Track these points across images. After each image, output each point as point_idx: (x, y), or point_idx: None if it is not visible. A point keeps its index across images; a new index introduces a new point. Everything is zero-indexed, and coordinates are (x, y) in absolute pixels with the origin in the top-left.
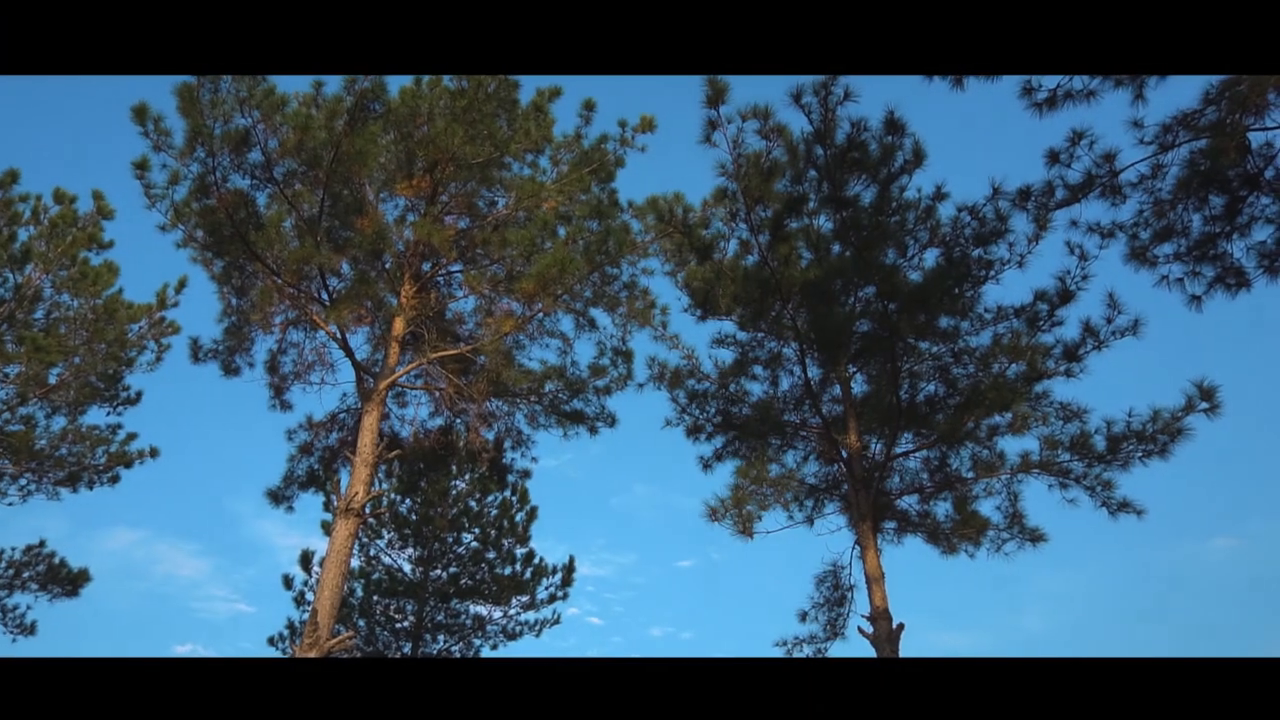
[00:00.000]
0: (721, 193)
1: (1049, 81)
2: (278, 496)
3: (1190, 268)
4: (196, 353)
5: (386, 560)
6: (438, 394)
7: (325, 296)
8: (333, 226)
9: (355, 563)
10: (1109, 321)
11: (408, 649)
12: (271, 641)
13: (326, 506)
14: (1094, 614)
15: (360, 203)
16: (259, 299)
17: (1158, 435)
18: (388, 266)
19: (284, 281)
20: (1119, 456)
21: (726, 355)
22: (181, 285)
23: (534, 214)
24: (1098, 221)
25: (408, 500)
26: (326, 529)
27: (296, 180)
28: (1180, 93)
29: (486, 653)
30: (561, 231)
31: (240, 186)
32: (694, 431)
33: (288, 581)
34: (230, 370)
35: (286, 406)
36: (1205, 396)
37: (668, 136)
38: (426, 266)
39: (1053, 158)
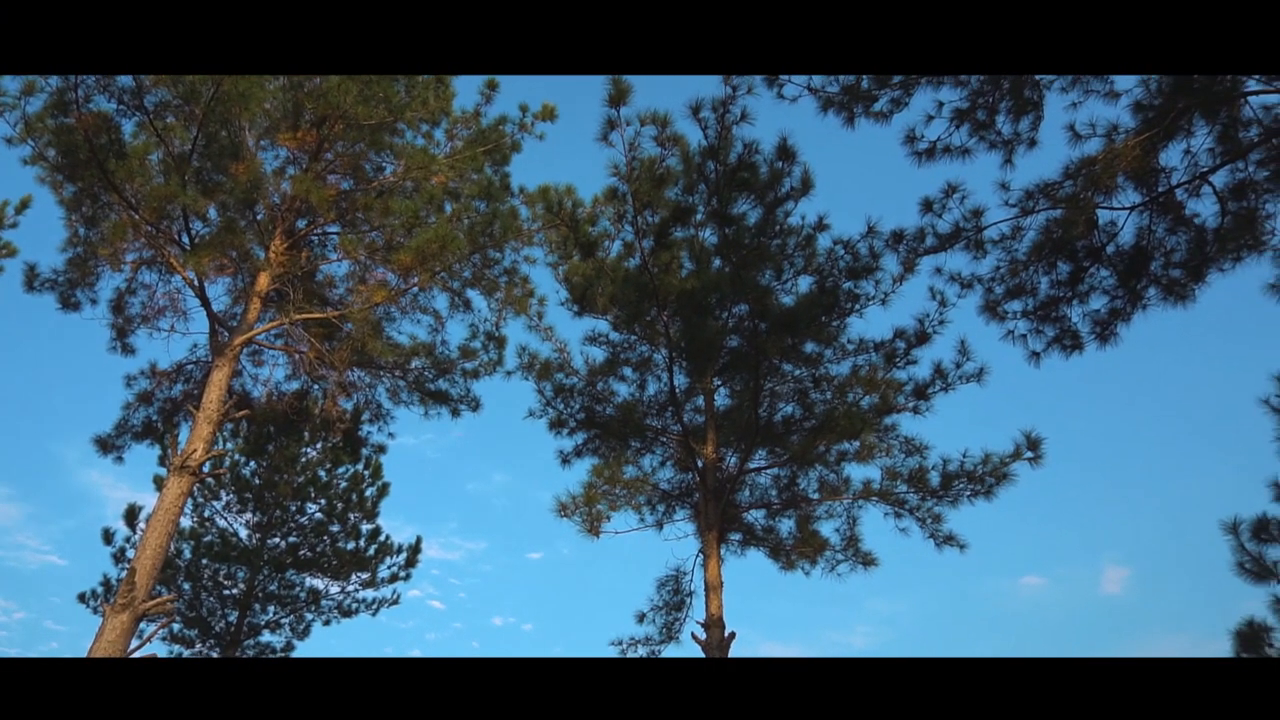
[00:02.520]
0: (612, 192)
1: (931, 133)
2: (107, 445)
3: (1034, 326)
4: (32, 280)
5: (221, 523)
6: (297, 357)
7: (186, 240)
8: (204, 168)
9: (186, 523)
10: (958, 366)
11: (234, 617)
12: (82, 598)
13: (161, 461)
14: (915, 637)
15: (238, 147)
16: (111, 233)
17: (986, 477)
18: (259, 218)
19: (141, 218)
20: (950, 493)
21: (598, 353)
22: (24, 205)
23: (422, 186)
24: (959, 272)
25: (252, 463)
26: (159, 485)
27: (170, 113)
28: (1045, 163)
29: (317, 627)
30: (448, 208)
31: (105, 110)
32: (557, 425)
33: (108, 536)
34: (69, 304)
35: (129, 350)
36: (1031, 446)
37: (569, 130)
38: (301, 224)
39: (926, 206)
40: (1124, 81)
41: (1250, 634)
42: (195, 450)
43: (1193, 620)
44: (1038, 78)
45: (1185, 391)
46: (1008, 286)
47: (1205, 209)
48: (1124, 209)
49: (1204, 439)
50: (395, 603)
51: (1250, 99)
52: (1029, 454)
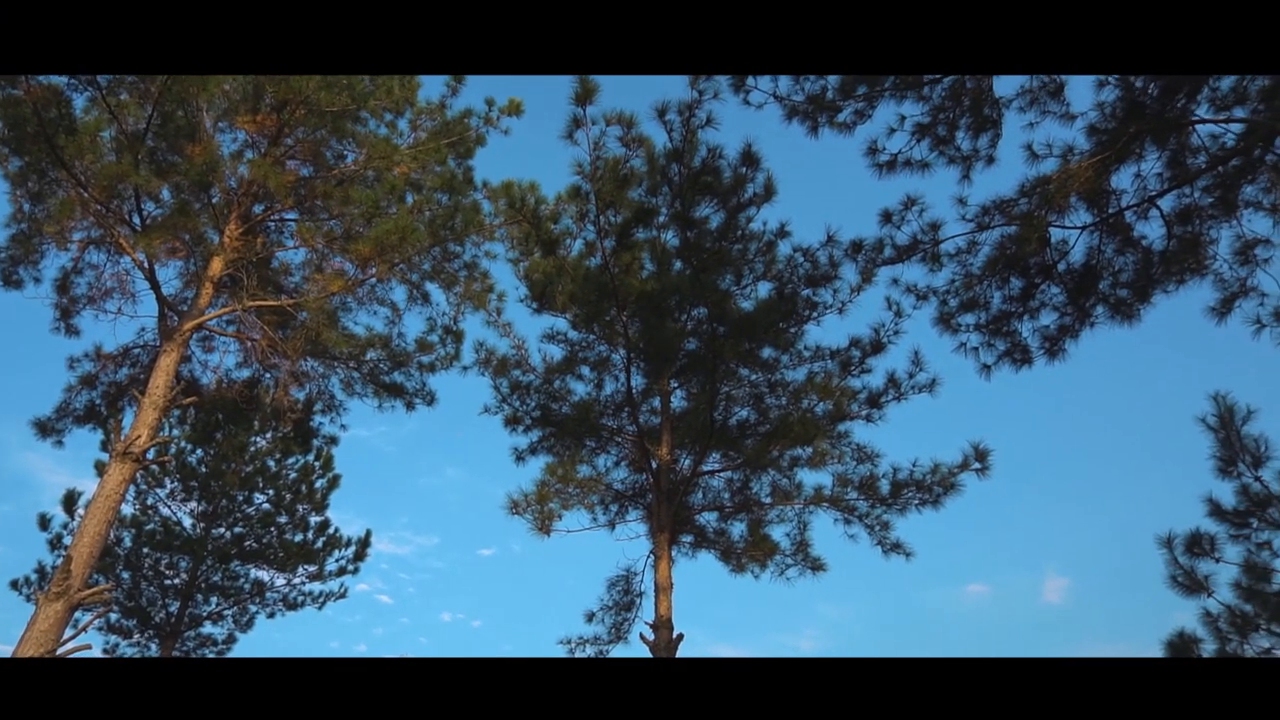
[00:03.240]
0: (576, 191)
1: (892, 145)
2: (47, 428)
3: (986, 339)
4: None
5: (165, 512)
6: (249, 344)
7: (137, 221)
8: (159, 148)
9: (128, 510)
10: (911, 376)
11: (175, 608)
12: (15, 585)
13: (104, 446)
14: (861, 642)
15: (194, 128)
16: (58, 210)
17: (934, 486)
18: (215, 201)
19: (91, 196)
20: (899, 501)
21: (556, 351)
22: None
23: (383, 176)
24: (916, 283)
25: (199, 451)
26: (100, 470)
27: (124, 89)
28: (1001, 180)
29: (261, 620)
30: (409, 199)
31: (56, 83)
32: (512, 422)
33: (44, 522)
34: (11, 281)
35: (73, 332)
36: (979, 457)
37: (535, 126)
38: (258, 209)
39: (886, 217)
40: (1080, 104)
41: (1180, 645)
42: (139, 436)
43: (1129, 631)
44: (998, 96)
45: (1129, 408)
46: (962, 300)
47: (1153, 232)
48: (1075, 228)
49: (1146, 455)
50: (342, 596)
51: (1198, 127)
52: (977, 465)
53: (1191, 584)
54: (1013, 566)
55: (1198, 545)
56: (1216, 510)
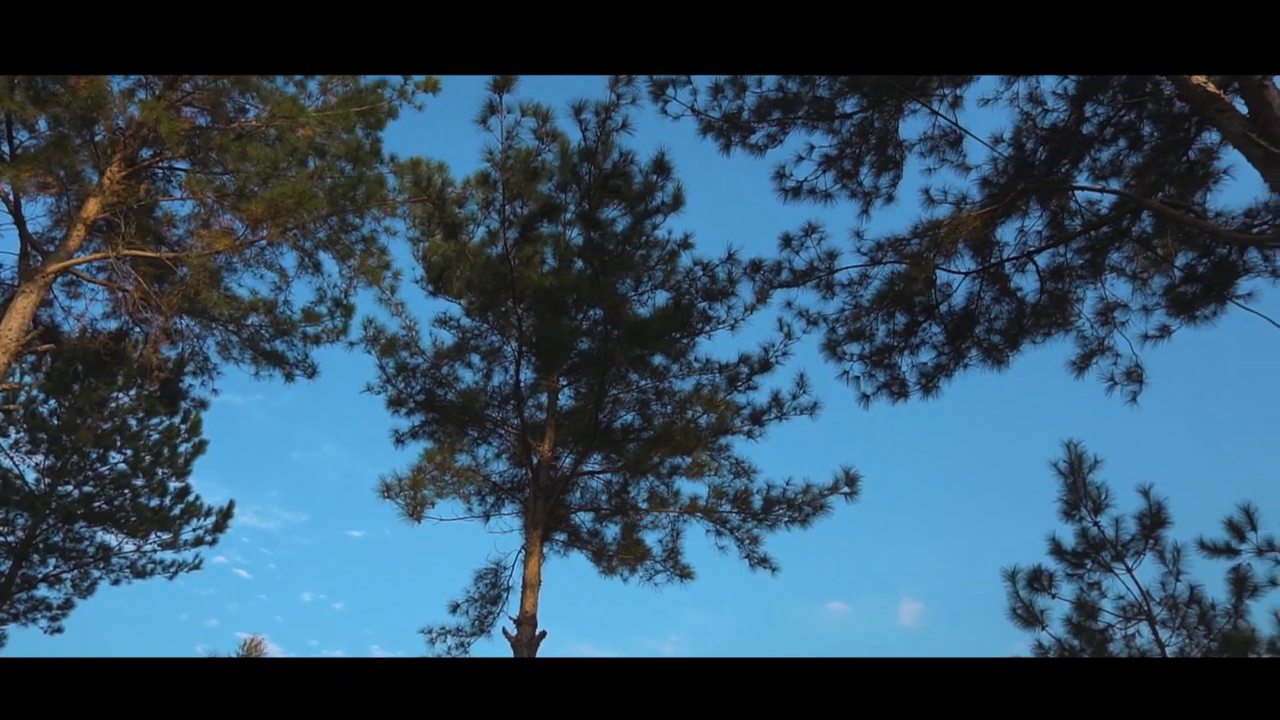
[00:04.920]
0: (484, 178)
1: (799, 173)
2: None
3: (867, 370)
4: None
5: (5, 462)
6: (120, 294)
7: (6, 149)
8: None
9: None
10: (794, 397)
11: (6, 567)
12: None
13: None
14: (724, 650)
15: None
16: None
17: (805, 506)
18: (98, 139)
19: None
20: (770, 517)
21: (447, 337)
22: None
23: (286, 136)
24: (808, 308)
25: (52, 402)
26: None
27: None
28: (897, 220)
29: (104, 586)
30: (311, 163)
31: None
32: (395, 404)
33: None
34: None
35: None
36: (849, 482)
37: (449, 108)
38: (146, 154)
39: (786, 241)
40: (976, 156)
41: None
42: None
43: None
44: (903, 139)
45: (994, 448)
46: (849, 329)
47: (1028, 285)
48: (960, 273)
49: (1005, 493)
50: (197, 567)
51: (1078, 193)
52: (846, 489)
53: (1029, 617)
54: (872, 588)
55: (1038, 581)
56: (1058, 549)
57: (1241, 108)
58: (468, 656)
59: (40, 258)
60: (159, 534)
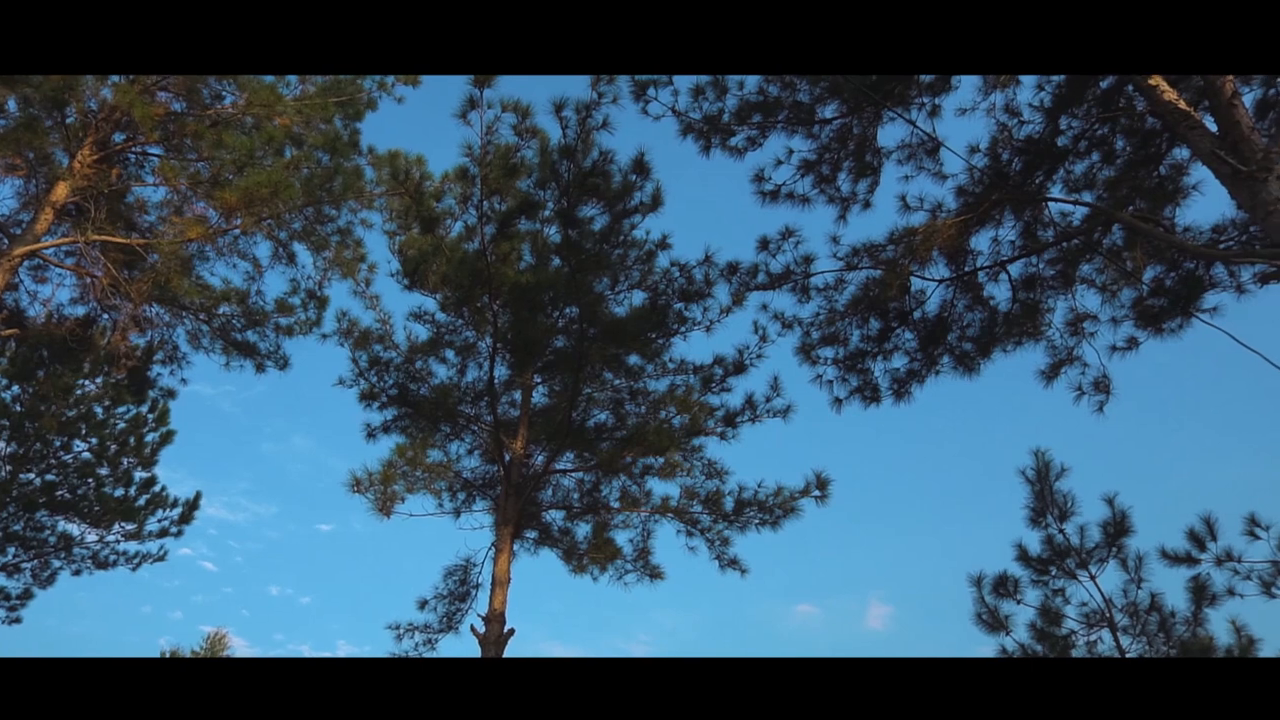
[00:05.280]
0: (463, 172)
1: (778, 176)
2: None
3: (840, 374)
4: None
5: None
6: (89, 280)
7: None
8: None
9: None
10: (768, 400)
11: None
12: None
13: None
14: (694, 650)
15: None
16: None
17: (775, 508)
18: (70, 121)
19: None
20: (741, 519)
21: (422, 331)
22: None
23: (263, 124)
24: (783, 312)
25: (15, 388)
26: None
27: None
28: (873, 226)
29: (65, 576)
30: (288, 153)
31: None
32: (368, 398)
33: None
34: None
35: None
36: (820, 485)
37: (430, 101)
38: (119, 138)
39: (763, 244)
40: (952, 166)
41: None
42: None
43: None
44: (880, 146)
45: (965, 454)
46: (823, 333)
47: (1000, 294)
48: (934, 280)
49: (975, 499)
50: (161, 559)
51: (1051, 204)
52: (817, 492)
53: (994, 622)
54: (841, 591)
55: (1004, 587)
56: (1024, 556)
57: (1211, 125)
58: (434, 656)
59: (6, 240)
60: (123, 524)
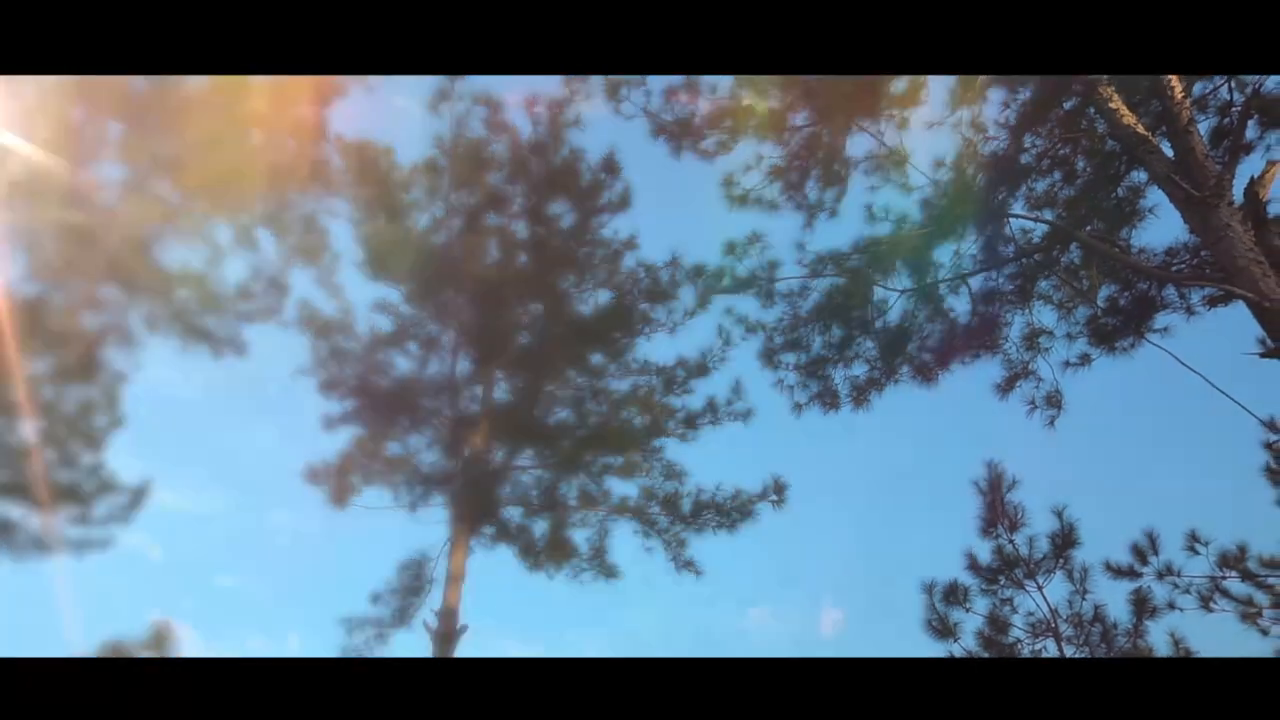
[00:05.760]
0: (432, 165)
1: (747, 181)
2: None
3: (801, 380)
4: None
5: None
6: (40, 258)
7: None
8: None
9: None
10: (729, 403)
11: None
12: None
13: None
14: (646, 651)
15: None
16: None
17: (732, 511)
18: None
19: None
20: (698, 521)
21: (384, 323)
22: None
23: (229, 106)
24: (747, 316)
25: None
26: None
27: None
28: (839, 235)
29: (5, 562)
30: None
31: None
32: (327, 387)
33: None
34: None
35: None
36: (777, 490)
37: (404, 90)
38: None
39: (730, 249)
40: (918, 177)
41: None
42: None
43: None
44: (848, 156)
45: (917, 461)
46: (786, 339)
47: (960, 306)
48: (896, 290)
49: (928, 509)
50: (108, 546)
51: (1013, 220)
52: (774, 497)
53: (943, 629)
54: (794, 595)
55: (954, 595)
56: (974, 565)
57: (1169, 150)
58: (386, 656)
59: None
60: (68, 509)
